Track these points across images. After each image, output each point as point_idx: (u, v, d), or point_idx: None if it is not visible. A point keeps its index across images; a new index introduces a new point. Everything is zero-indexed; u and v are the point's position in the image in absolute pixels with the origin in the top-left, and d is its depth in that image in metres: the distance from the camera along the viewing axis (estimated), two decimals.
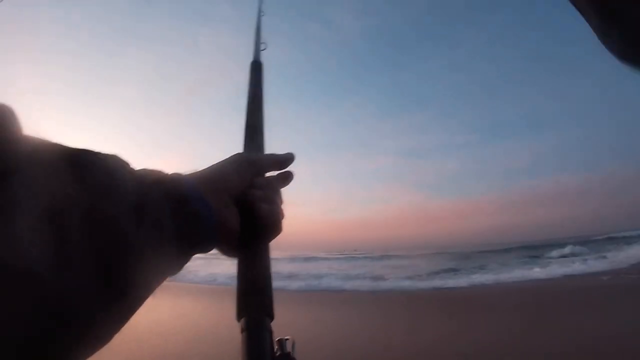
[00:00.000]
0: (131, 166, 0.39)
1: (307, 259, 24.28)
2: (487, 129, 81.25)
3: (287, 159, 0.60)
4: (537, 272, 11.06)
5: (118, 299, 0.31)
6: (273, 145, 0.62)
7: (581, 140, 75.32)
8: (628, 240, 19.98)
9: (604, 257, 13.59)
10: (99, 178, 0.33)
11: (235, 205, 0.49)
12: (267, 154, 0.61)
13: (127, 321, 0.33)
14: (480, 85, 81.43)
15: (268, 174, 0.58)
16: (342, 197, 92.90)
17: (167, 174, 0.43)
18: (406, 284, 10.86)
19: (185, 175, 0.46)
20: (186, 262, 0.42)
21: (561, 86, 72.65)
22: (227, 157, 0.53)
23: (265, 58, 0.73)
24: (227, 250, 0.50)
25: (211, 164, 0.51)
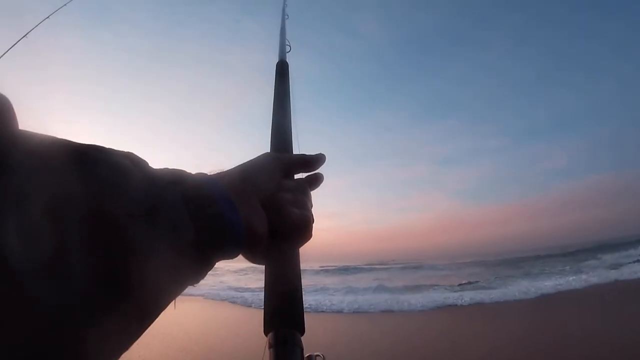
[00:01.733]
0: (148, 165, 0.35)
1: (345, 269, 24.18)
2: (519, 131, 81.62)
3: (318, 159, 0.57)
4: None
5: (129, 307, 0.27)
6: (303, 151, 0.59)
7: (612, 137, 71.50)
8: None
9: None
10: (105, 176, 0.29)
11: (264, 208, 0.45)
12: (296, 154, 0.58)
13: (143, 330, 0.30)
14: (510, 87, 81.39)
15: (297, 176, 0.55)
16: (378, 207, 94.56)
17: (188, 174, 0.39)
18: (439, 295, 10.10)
19: (210, 175, 0.42)
20: (209, 269, 0.38)
21: (588, 84, 70.03)
22: (255, 157, 0.50)
23: (290, 60, 0.72)
24: (254, 257, 0.47)
25: (238, 164, 0.47)
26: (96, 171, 0.29)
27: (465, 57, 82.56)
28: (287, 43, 0.77)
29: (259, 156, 0.50)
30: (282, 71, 0.69)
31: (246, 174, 0.45)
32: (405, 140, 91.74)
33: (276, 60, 0.73)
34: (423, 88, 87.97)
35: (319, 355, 0.48)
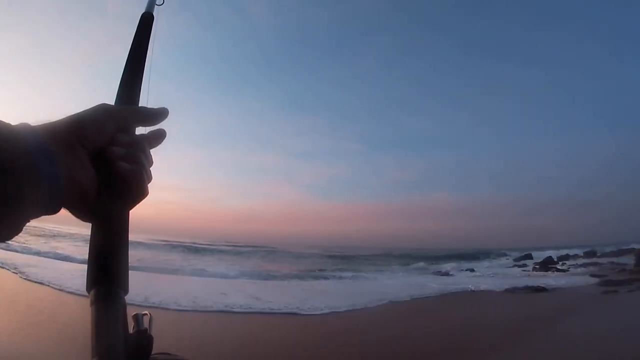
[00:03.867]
0: None
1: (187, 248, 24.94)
2: (375, 140, 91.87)
3: (159, 113, 0.53)
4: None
5: None
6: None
7: (460, 162, 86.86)
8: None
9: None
10: None
11: (93, 163, 0.43)
12: (136, 106, 0.54)
13: None
14: (375, 99, 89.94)
15: (138, 132, 0.52)
16: (225, 188, 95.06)
17: (3, 123, 0.35)
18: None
19: (31, 125, 0.38)
20: (23, 224, 0.36)
21: (443, 113, 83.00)
22: (90, 107, 0.46)
23: (161, 14, 0.67)
24: (81, 214, 0.44)
25: (69, 114, 0.43)
26: None
27: (343, 62, 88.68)
28: None
29: (92, 107, 0.46)
30: (145, 24, 0.64)
31: (75, 125, 0.42)
32: (266, 128, 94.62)
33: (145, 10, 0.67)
34: (296, 82, 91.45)
35: (145, 314, 0.47)
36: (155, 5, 0.68)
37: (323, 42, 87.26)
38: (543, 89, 73.62)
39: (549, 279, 14.45)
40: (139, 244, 22.51)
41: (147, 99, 0.57)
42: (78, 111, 0.44)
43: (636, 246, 20.37)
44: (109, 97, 0.54)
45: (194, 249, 25.65)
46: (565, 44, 68.29)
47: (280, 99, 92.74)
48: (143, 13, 0.66)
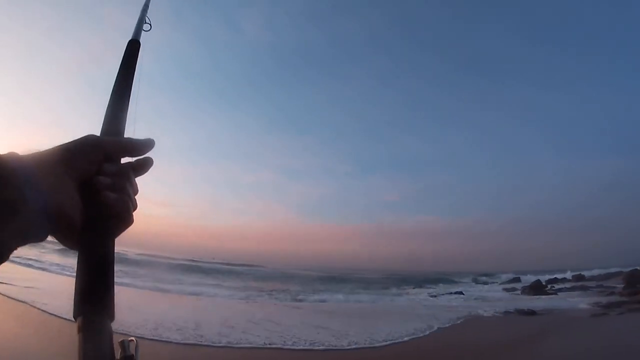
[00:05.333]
0: None
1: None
2: (366, 161, 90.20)
3: (146, 144, 0.54)
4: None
5: None
6: (141, 136, 0.56)
7: (452, 184, 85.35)
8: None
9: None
10: None
11: (80, 192, 0.44)
12: (122, 138, 0.55)
13: None
14: (368, 119, 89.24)
15: (125, 161, 0.53)
16: (215, 205, 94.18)
17: None
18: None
19: (20, 155, 0.40)
20: (9, 253, 0.37)
21: (435, 133, 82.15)
22: (77, 138, 0.48)
23: (148, 40, 0.68)
24: (67, 242, 0.46)
25: (57, 145, 0.46)
26: None
27: (337, 81, 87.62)
28: (147, 21, 0.71)
29: (80, 137, 0.48)
30: (131, 51, 0.64)
31: (62, 155, 0.44)
32: (257, 145, 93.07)
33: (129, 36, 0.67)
34: (290, 100, 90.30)
35: (132, 340, 0.48)
36: (142, 32, 0.68)
37: (317, 61, 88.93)
38: (538, 111, 74.95)
39: (539, 302, 14.38)
40: (128, 260, 22.31)
41: (134, 127, 0.58)
42: (67, 138, 0.46)
43: (624, 270, 20.52)
44: (104, 107, 0.57)
45: (183, 266, 25.58)
46: (562, 64, 69.35)
47: (272, 117, 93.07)
48: (129, 40, 0.66)
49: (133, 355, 0.47)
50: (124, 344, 0.47)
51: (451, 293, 19.84)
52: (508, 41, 71.79)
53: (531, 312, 11.40)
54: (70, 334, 0.42)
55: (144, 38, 0.68)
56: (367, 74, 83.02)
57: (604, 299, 14.15)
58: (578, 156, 69.03)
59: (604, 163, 65.46)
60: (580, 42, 67.38)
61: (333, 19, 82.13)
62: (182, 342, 6.08)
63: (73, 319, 0.44)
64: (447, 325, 9.09)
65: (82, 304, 0.44)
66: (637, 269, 18.78)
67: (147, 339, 5.91)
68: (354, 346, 6.70)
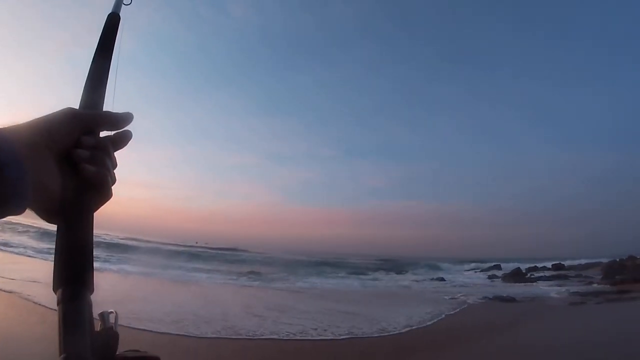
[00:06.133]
0: None
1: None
2: (351, 146, 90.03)
3: (125, 118, 0.54)
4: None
5: None
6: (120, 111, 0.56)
7: (438, 171, 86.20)
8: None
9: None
10: None
11: (58, 165, 0.44)
12: (101, 111, 0.55)
13: None
14: (354, 106, 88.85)
15: (103, 134, 0.53)
16: (198, 187, 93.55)
17: None
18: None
19: None
20: None
21: (423, 121, 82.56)
22: (56, 111, 0.47)
23: (130, 18, 0.67)
24: (46, 215, 0.45)
25: (35, 118, 0.45)
26: None
27: (325, 65, 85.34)
28: None
29: (58, 110, 0.47)
30: (111, 24, 0.63)
31: (41, 128, 0.43)
32: (242, 127, 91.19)
33: (119, 9, 0.66)
34: (276, 83, 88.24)
35: (112, 312, 0.48)
36: (123, 5, 0.66)
37: (305, 44, 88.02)
38: (527, 102, 75.29)
39: (518, 289, 14.56)
40: (109, 243, 22.17)
41: (113, 101, 0.57)
42: (48, 110, 0.46)
43: (603, 260, 20.97)
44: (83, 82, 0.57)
45: (164, 250, 25.43)
46: (553, 54, 69.28)
47: (258, 99, 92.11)
48: (109, 14, 0.65)
49: (112, 326, 0.47)
50: (103, 316, 0.47)
51: (432, 279, 20.10)
52: (499, 30, 71.56)
53: (511, 299, 11.54)
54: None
55: (124, 13, 0.66)
56: (355, 59, 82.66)
57: (582, 288, 14.44)
58: (566, 148, 70.00)
59: (591, 156, 66.48)
60: (572, 33, 67.34)
61: (323, 2, 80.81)
62: (159, 331, 5.72)
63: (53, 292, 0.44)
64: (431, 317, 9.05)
65: (61, 276, 0.45)
66: (615, 260, 19.27)
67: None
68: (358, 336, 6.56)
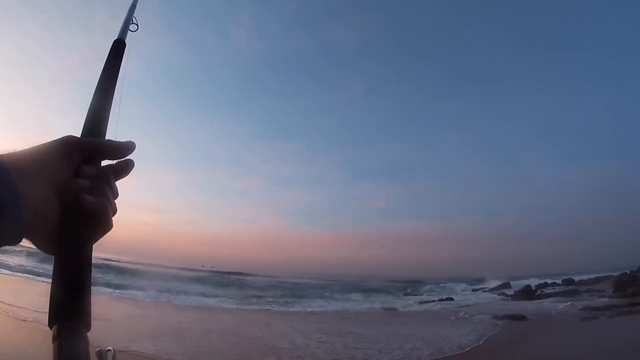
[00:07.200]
0: None
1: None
2: (354, 168, 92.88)
3: (126, 147, 0.52)
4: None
5: None
6: (122, 139, 0.54)
7: (442, 190, 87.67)
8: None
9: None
10: None
11: (57, 194, 0.43)
12: (102, 140, 0.53)
13: None
14: (357, 127, 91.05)
15: (105, 163, 0.52)
16: (203, 211, 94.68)
17: None
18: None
19: None
20: None
21: (427, 139, 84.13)
22: (56, 138, 0.46)
23: (135, 44, 0.68)
24: (44, 246, 0.44)
25: (35, 145, 0.44)
26: None
27: (327, 89, 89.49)
28: (133, 21, 0.70)
29: (58, 138, 0.46)
30: (116, 51, 0.63)
31: (39, 156, 0.42)
32: (247, 152, 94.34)
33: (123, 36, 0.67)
34: (280, 107, 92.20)
35: (109, 350, 0.47)
36: (129, 32, 0.67)
37: (307, 68, 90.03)
38: (530, 118, 76.62)
39: (529, 307, 14.34)
40: (112, 267, 21.88)
41: (117, 128, 0.56)
42: (54, 134, 0.45)
43: (614, 274, 20.60)
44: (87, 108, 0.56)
45: (171, 275, 25.16)
46: (554, 68, 71.97)
47: (262, 123, 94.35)
48: (115, 40, 0.65)
49: None
50: (100, 354, 0.46)
51: (441, 299, 19.77)
52: (499, 46, 73.64)
53: (522, 317, 11.34)
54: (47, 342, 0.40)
55: (130, 39, 0.67)
56: (358, 81, 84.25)
57: (594, 303, 14.16)
58: (569, 161, 70.53)
59: (595, 168, 66.80)
60: (574, 46, 69.39)
61: (324, 25, 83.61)
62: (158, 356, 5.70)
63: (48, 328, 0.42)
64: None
65: (57, 311, 0.43)
66: (626, 273, 18.92)
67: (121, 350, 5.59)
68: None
